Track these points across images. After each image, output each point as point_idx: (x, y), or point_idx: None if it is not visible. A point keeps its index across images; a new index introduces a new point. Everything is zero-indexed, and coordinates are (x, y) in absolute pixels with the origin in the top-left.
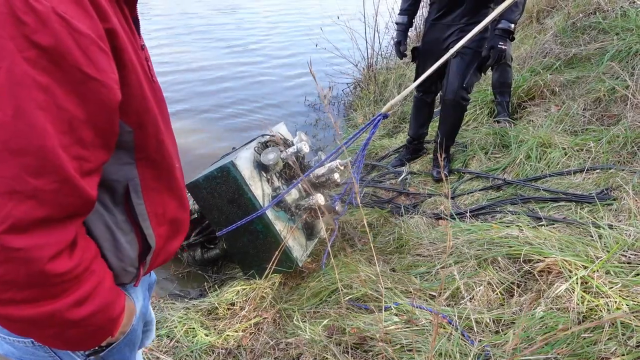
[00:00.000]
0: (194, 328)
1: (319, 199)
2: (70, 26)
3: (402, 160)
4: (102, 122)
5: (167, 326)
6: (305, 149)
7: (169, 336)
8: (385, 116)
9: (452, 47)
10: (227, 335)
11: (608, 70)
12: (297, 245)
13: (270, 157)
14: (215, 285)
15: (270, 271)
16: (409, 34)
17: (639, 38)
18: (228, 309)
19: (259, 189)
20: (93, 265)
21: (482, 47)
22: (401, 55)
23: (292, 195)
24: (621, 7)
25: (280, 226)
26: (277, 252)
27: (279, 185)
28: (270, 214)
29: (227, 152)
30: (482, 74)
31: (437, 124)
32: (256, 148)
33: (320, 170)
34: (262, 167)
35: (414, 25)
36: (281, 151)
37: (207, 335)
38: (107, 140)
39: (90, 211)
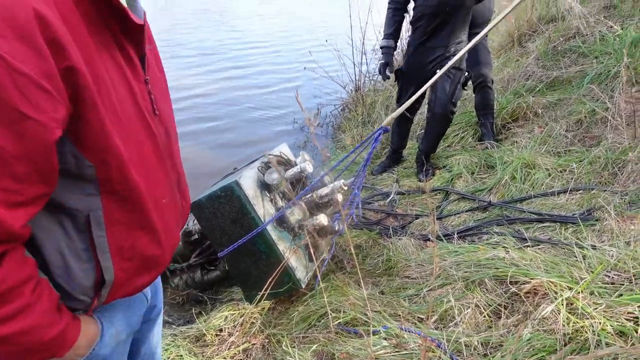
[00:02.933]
0: (181, 355)
1: (323, 219)
2: (9, 66)
3: (384, 169)
4: (38, 158)
5: None
6: (309, 168)
7: None
8: (385, 130)
9: (437, 68)
10: None
11: (588, 93)
12: (300, 266)
13: (274, 176)
14: (202, 312)
15: (267, 291)
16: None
17: (616, 61)
18: (216, 335)
19: (263, 209)
20: (23, 286)
21: (463, 65)
22: (386, 76)
23: (295, 216)
24: (599, 31)
25: (283, 247)
26: (276, 272)
27: (282, 205)
28: (273, 234)
29: (229, 172)
30: (465, 89)
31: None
32: (260, 168)
33: (323, 191)
34: (265, 187)
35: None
36: (285, 171)
37: None
38: (44, 175)
39: (19, 240)
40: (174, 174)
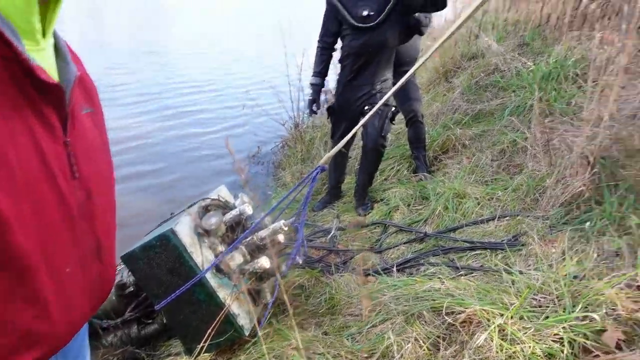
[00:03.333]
0: None
1: (264, 262)
2: None
3: (325, 205)
4: None
5: None
6: (249, 210)
7: None
8: (323, 169)
9: (365, 105)
10: None
11: (509, 124)
12: (242, 313)
13: (212, 221)
14: None
15: (207, 342)
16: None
17: (531, 94)
18: None
19: (201, 256)
20: None
21: (390, 101)
22: (313, 112)
23: (235, 261)
24: (515, 67)
25: (223, 294)
26: (216, 321)
27: (222, 250)
28: (213, 281)
29: (166, 219)
30: (393, 123)
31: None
32: (197, 212)
33: (263, 233)
34: (204, 232)
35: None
36: (223, 214)
37: None
38: None
39: None
40: (91, 239)
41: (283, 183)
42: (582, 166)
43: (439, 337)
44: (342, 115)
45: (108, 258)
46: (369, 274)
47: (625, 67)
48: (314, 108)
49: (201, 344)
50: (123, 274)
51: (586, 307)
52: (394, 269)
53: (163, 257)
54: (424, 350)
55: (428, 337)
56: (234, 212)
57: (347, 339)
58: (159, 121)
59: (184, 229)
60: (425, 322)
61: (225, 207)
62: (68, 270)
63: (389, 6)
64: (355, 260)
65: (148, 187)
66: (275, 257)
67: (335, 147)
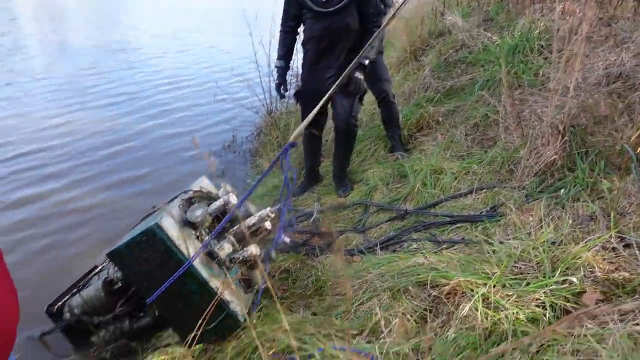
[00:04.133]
0: None
1: (254, 249)
2: None
3: (305, 189)
4: None
5: None
6: (233, 199)
7: None
8: (292, 144)
9: (332, 87)
10: None
11: (480, 98)
12: (235, 300)
13: (197, 213)
14: None
15: (202, 330)
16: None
17: (499, 68)
18: None
19: (189, 249)
20: None
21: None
22: (282, 95)
23: (225, 250)
24: (482, 42)
25: (215, 283)
26: (208, 309)
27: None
28: (203, 272)
29: (148, 213)
30: (362, 104)
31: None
32: (181, 205)
33: (251, 220)
34: (189, 225)
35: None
36: (208, 205)
37: None
38: None
39: None
40: None
41: (261, 170)
42: (553, 135)
43: (425, 310)
44: (309, 99)
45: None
46: (353, 254)
47: (587, 36)
48: (282, 91)
49: (194, 333)
50: (109, 270)
51: (565, 271)
52: (377, 247)
53: (150, 252)
54: (411, 323)
55: (415, 311)
56: (218, 203)
57: (336, 318)
58: (132, 123)
59: (169, 222)
60: (411, 296)
61: (208, 198)
62: None
63: None
64: (338, 241)
65: (126, 187)
66: (262, 244)
67: (304, 121)
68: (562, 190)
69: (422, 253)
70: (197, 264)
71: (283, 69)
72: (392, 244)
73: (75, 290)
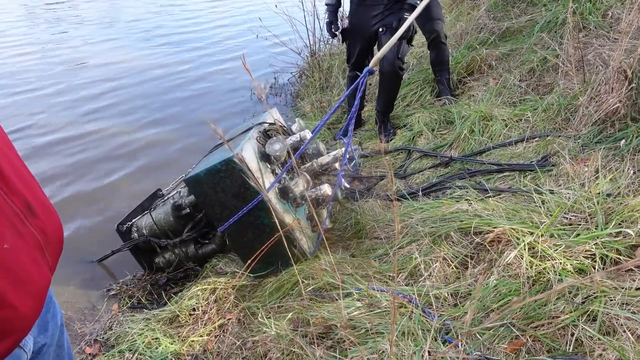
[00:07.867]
0: (157, 338)
1: (327, 189)
2: None
3: (346, 131)
4: None
5: (127, 340)
6: (309, 136)
7: (130, 350)
8: (371, 71)
9: (379, 25)
10: (192, 341)
11: (539, 41)
12: (305, 237)
13: (276, 147)
14: (172, 293)
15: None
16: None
17: (564, 8)
18: (190, 314)
19: (265, 182)
20: None
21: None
22: (333, 34)
23: (299, 187)
24: None
25: (287, 219)
26: (273, 238)
27: (284, 177)
28: (277, 206)
29: (218, 143)
30: (411, 45)
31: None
32: (258, 138)
33: (325, 159)
34: (266, 158)
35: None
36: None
37: (171, 344)
38: None
39: None
40: (17, 201)
41: (302, 113)
42: (619, 82)
43: (466, 256)
44: (356, 36)
45: (41, 207)
46: (395, 199)
47: None
48: (333, 29)
49: (255, 263)
50: (175, 196)
51: (619, 224)
52: (420, 193)
53: (228, 181)
54: (452, 268)
55: (456, 257)
56: (294, 138)
57: (375, 260)
58: (165, 54)
59: (248, 154)
60: (453, 242)
61: (284, 132)
62: (6, 247)
63: None
64: (379, 186)
65: (170, 123)
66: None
67: (384, 47)
68: (623, 141)
69: (466, 200)
70: (272, 197)
71: (334, 6)
72: (434, 190)
73: (143, 212)
